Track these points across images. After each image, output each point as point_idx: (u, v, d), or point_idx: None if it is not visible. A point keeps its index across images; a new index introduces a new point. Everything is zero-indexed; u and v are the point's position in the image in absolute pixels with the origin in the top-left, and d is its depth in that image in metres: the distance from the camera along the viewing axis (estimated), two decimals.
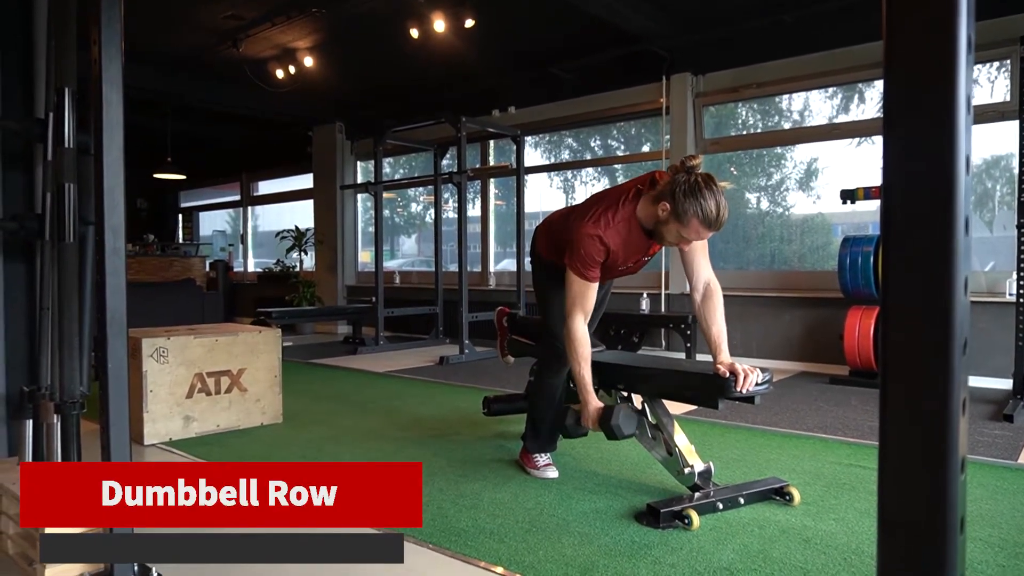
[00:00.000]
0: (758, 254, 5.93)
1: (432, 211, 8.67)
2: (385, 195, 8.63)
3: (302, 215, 9.40)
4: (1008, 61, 4.58)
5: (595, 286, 2.31)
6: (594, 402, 2.34)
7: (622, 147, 6.79)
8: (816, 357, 5.21)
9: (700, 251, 2.34)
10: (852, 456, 2.90)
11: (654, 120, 6.26)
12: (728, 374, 2.15)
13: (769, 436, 3.26)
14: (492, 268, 7.60)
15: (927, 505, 0.55)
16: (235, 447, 3.12)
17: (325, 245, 8.58)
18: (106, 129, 1.73)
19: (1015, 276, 4.44)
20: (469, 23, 5.34)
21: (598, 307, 2.88)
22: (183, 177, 9.93)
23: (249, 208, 10.76)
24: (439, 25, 5.39)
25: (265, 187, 10.65)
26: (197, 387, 3.30)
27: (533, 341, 3.15)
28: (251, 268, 10.65)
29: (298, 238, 8.52)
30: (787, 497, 2.33)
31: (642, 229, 2.29)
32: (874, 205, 4.88)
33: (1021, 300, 3.85)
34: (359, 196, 8.72)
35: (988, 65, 4.72)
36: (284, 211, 10.18)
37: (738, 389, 2.13)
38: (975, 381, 4.50)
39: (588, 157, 7.03)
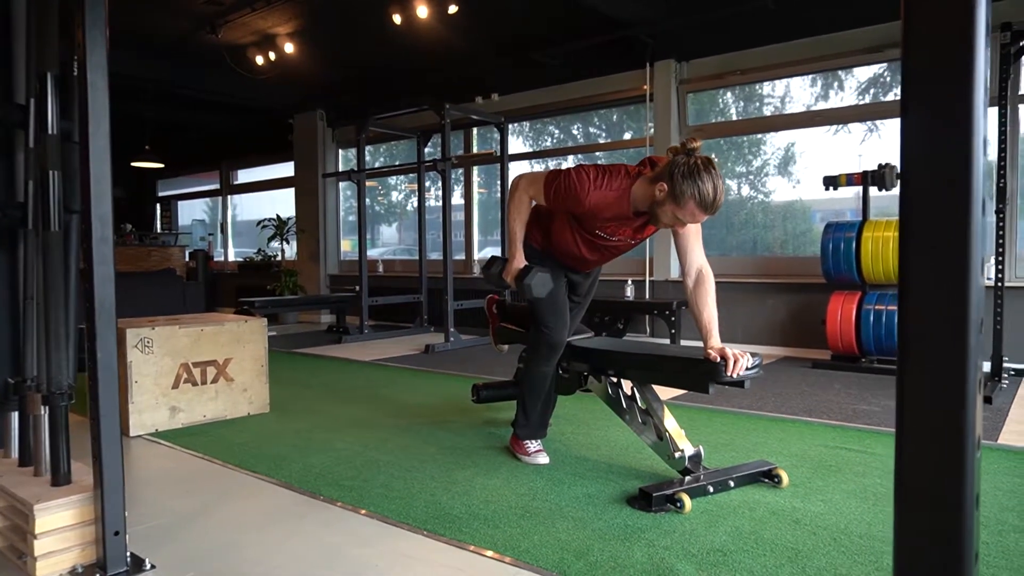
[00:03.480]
0: (739, 240, 5.99)
1: (413, 199, 8.65)
2: (366, 183, 8.56)
3: (282, 204, 9.32)
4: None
5: (541, 193, 2.41)
6: (520, 259, 2.55)
7: (603, 134, 6.80)
8: (799, 342, 5.28)
9: (693, 237, 2.35)
10: (837, 439, 2.95)
11: (636, 107, 6.27)
12: (719, 359, 2.17)
13: (755, 420, 3.30)
14: (476, 256, 7.59)
15: (945, 481, 0.56)
16: (223, 438, 3.09)
17: (307, 234, 8.51)
18: (92, 115, 1.70)
19: (992, 260, 4.53)
20: (452, 9, 5.30)
21: (584, 296, 2.89)
22: (161, 165, 9.78)
23: (228, 197, 10.62)
24: (422, 11, 5.34)
25: (244, 176, 10.52)
26: (183, 377, 3.27)
27: (522, 328, 3.16)
28: (231, 257, 10.54)
29: (280, 227, 8.44)
30: (776, 479, 2.36)
31: (632, 207, 2.30)
32: (852, 192, 4.94)
33: (999, 284, 3.93)
34: (340, 184, 8.65)
35: None
36: (263, 200, 10.08)
37: (728, 374, 2.15)
38: None
39: (570, 144, 7.02)
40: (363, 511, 2.19)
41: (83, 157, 1.69)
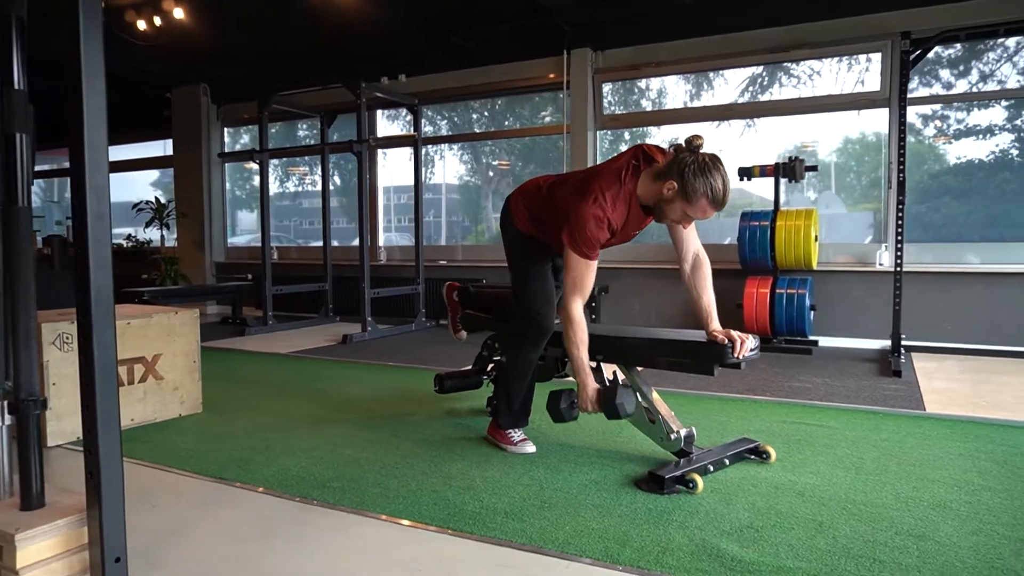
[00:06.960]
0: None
1: (290, 184, 8.22)
2: (229, 166, 8.06)
3: (143, 186, 8.59)
4: (880, 54, 5.08)
5: (595, 266, 2.29)
6: (592, 384, 2.31)
7: (487, 122, 6.82)
8: None
9: (690, 224, 2.39)
10: (791, 415, 3.13)
11: (545, 95, 6.30)
12: (726, 341, 2.22)
13: (709, 400, 3.43)
14: (381, 243, 7.34)
15: None
16: (165, 442, 2.77)
17: (189, 218, 7.84)
18: (86, 70, 1.46)
19: (884, 248, 4.99)
20: None
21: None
22: None
23: None
24: None
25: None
26: None
27: (491, 314, 3.08)
28: None
29: (158, 211, 7.70)
30: (764, 455, 2.46)
31: (640, 205, 2.30)
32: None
33: (898, 269, 4.33)
34: (226, 166, 8.04)
35: (863, 56, 5.21)
36: (123, 181, 9.20)
37: (736, 355, 2.21)
38: (852, 343, 5.02)
39: (451, 132, 7.02)
40: (370, 514, 2.04)
41: (77, 119, 1.43)
